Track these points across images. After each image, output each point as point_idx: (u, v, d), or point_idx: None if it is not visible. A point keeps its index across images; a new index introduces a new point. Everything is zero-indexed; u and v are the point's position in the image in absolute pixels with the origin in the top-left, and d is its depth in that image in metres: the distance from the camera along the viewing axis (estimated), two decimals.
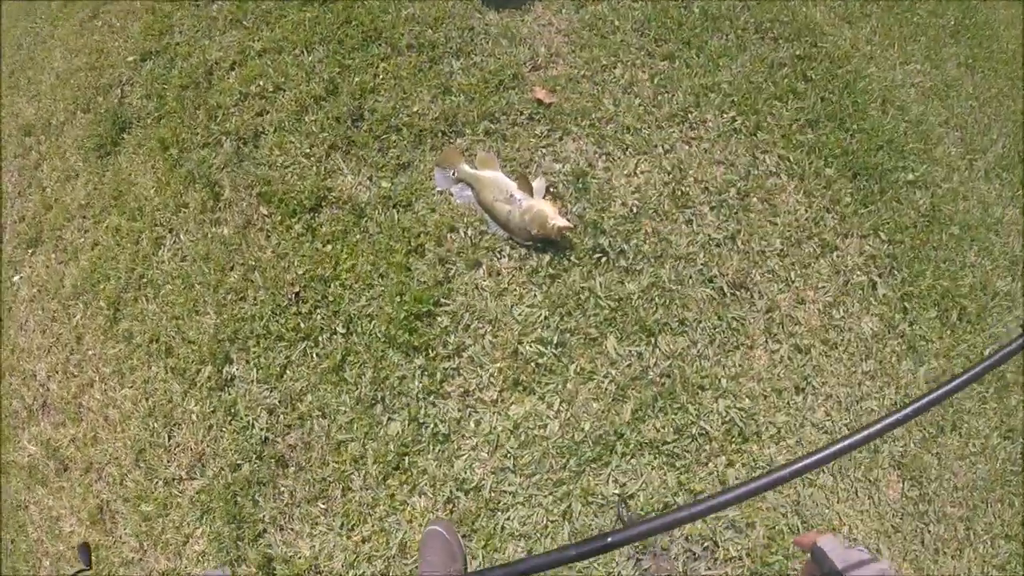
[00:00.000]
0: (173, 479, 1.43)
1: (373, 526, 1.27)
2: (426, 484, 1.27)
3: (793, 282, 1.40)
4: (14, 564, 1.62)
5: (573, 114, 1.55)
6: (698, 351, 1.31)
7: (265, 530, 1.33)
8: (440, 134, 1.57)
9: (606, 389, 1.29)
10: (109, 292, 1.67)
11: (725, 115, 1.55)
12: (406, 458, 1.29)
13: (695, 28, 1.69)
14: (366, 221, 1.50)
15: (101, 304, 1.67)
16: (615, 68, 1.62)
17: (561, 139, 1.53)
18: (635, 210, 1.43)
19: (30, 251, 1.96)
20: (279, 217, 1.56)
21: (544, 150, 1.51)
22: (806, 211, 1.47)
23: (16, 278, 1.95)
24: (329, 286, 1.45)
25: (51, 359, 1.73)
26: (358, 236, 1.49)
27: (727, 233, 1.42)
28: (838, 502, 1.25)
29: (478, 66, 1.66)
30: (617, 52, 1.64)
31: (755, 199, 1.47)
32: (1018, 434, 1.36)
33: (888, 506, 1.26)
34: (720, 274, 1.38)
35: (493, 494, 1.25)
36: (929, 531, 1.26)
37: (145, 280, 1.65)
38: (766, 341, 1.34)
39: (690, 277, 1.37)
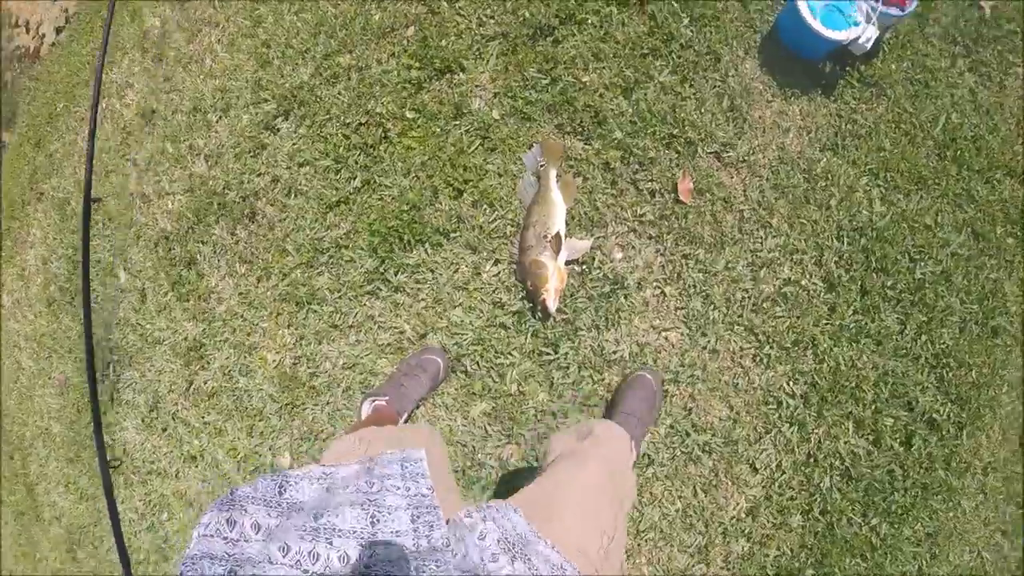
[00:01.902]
0: (196, 152, 1.52)
1: (251, 316, 1.36)
2: (292, 330, 1.30)
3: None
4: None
5: (683, 232, 1.19)
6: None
7: (205, 241, 1.45)
8: (578, 122, 1.25)
9: (453, 426, 1.23)
10: None
11: (792, 384, 1.14)
12: (305, 308, 1.30)
13: (911, 286, 1.18)
14: (454, 127, 1.30)
15: None
16: (773, 238, 1.19)
17: (647, 239, 1.21)
18: (611, 360, 1.15)
19: None
20: (414, 49, 1.36)
21: (624, 230, 1.20)
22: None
23: None
24: (383, 144, 1.32)
25: None
26: (437, 130, 1.31)
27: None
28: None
29: (676, 95, 1.24)
30: (802, 230, 1.18)
31: (722, 474, 1.12)
32: None
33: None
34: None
35: (325, 381, 1.30)
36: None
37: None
38: None
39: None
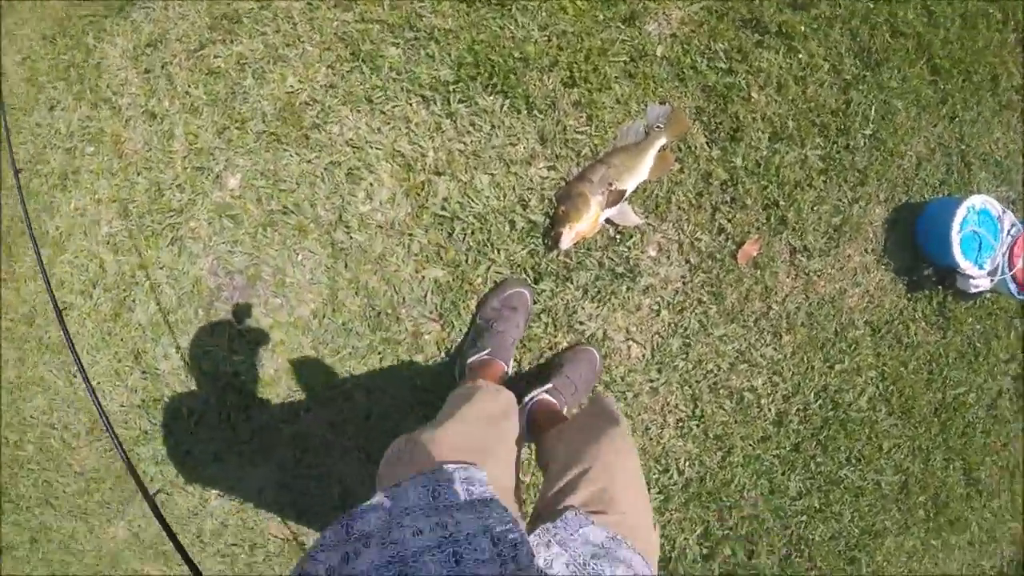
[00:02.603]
0: None
1: (304, 31, 1.15)
2: (329, 72, 1.12)
3: None
4: None
5: (715, 281, 1.09)
6: None
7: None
8: (717, 121, 1.11)
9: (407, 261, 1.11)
10: None
11: (688, 464, 1.13)
12: (356, 62, 1.11)
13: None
14: (615, 28, 1.11)
15: None
16: (772, 350, 1.12)
17: (684, 262, 1.11)
18: (574, 327, 1.07)
19: None
20: None
21: (673, 238, 1.09)
22: None
23: None
24: None
25: None
26: (599, 17, 1.11)
27: None
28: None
29: (808, 178, 1.12)
30: (798, 365, 1.13)
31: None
32: None
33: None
34: None
35: (321, 140, 1.13)
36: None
37: None
38: None
39: None
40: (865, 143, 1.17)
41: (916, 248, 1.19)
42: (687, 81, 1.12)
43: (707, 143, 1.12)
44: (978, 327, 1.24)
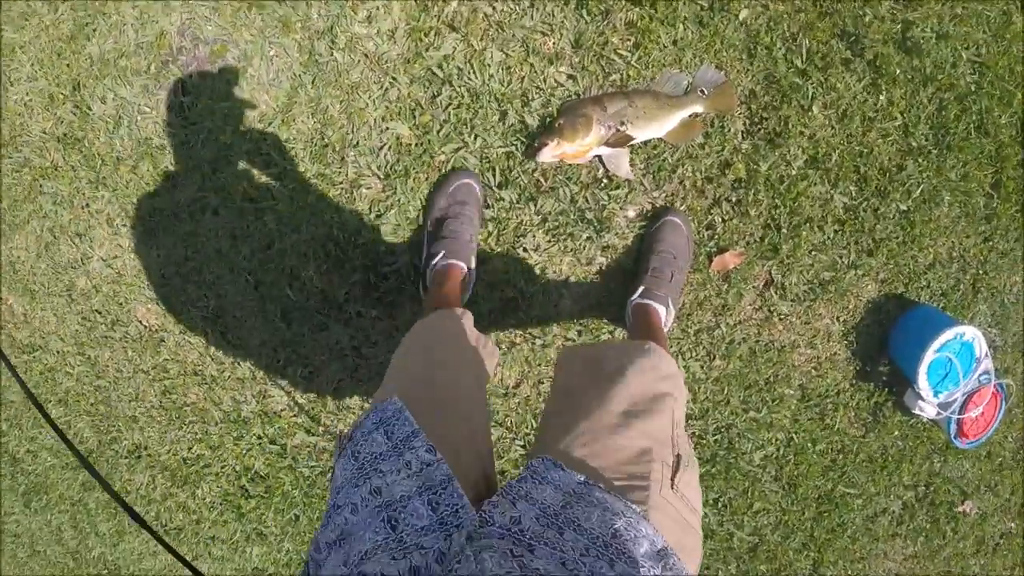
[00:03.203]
0: None
1: None
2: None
3: None
4: None
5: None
6: None
7: None
8: (764, 116, 0.97)
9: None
10: None
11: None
12: None
13: None
14: None
15: None
16: (701, 368, 1.05)
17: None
18: (515, 249, 0.98)
19: None
20: None
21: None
22: None
23: None
24: None
25: None
26: None
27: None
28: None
29: (823, 220, 1.00)
30: (714, 392, 1.05)
31: None
32: None
33: None
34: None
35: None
36: None
37: None
38: None
39: None
40: (895, 216, 1.05)
41: (885, 343, 1.10)
42: (755, 60, 0.97)
43: (743, 132, 0.98)
44: (899, 443, 1.19)
